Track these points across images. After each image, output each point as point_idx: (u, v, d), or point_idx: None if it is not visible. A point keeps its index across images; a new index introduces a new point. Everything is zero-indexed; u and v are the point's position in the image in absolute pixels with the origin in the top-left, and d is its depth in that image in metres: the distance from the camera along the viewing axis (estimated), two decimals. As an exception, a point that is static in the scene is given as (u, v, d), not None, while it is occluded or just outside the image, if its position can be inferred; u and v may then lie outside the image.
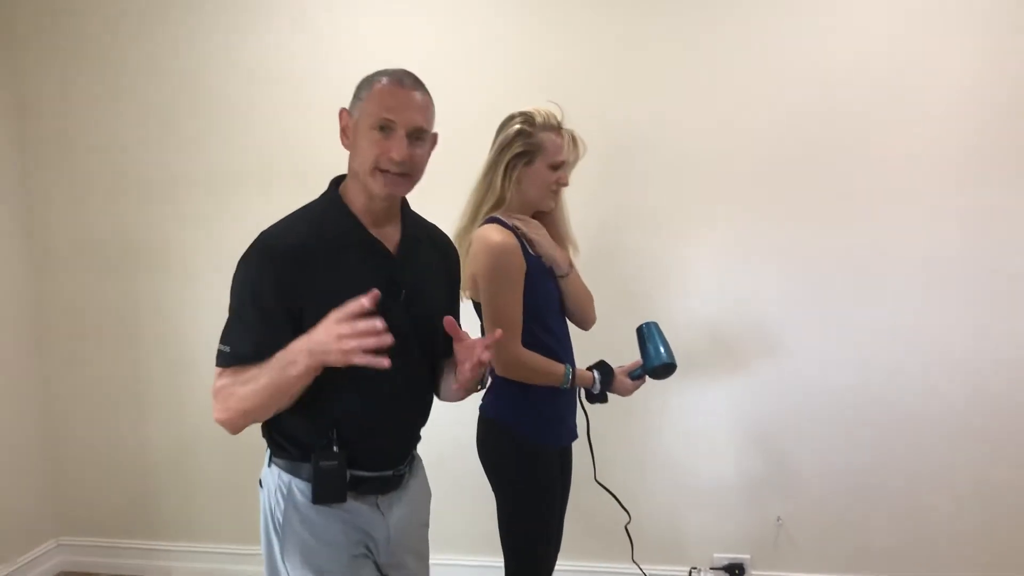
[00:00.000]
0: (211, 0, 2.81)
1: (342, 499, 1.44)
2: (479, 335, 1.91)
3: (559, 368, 1.92)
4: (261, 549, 1.52)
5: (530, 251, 1.89)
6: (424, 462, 1.69)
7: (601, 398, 2.06)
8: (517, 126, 1.91)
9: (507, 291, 1.84)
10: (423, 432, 1.64)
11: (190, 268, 2.93)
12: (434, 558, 1.74)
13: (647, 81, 2.62)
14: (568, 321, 2.07)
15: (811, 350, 2.64)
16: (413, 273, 1.49)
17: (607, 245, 2.66)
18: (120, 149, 2.92)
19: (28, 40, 2.93)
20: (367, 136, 1.39)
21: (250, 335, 1.36)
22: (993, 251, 2.52)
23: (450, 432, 2.09)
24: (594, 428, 2.16)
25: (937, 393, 2.59)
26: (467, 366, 1.39)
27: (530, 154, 1.90)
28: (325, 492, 1.43)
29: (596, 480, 2.18)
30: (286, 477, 1.47)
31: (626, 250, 2.70)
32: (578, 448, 2.11)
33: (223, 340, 1.39)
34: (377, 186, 1.40)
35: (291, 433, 1.46)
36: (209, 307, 2.85)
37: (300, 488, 1.45)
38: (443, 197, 1.85)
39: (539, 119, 1.91)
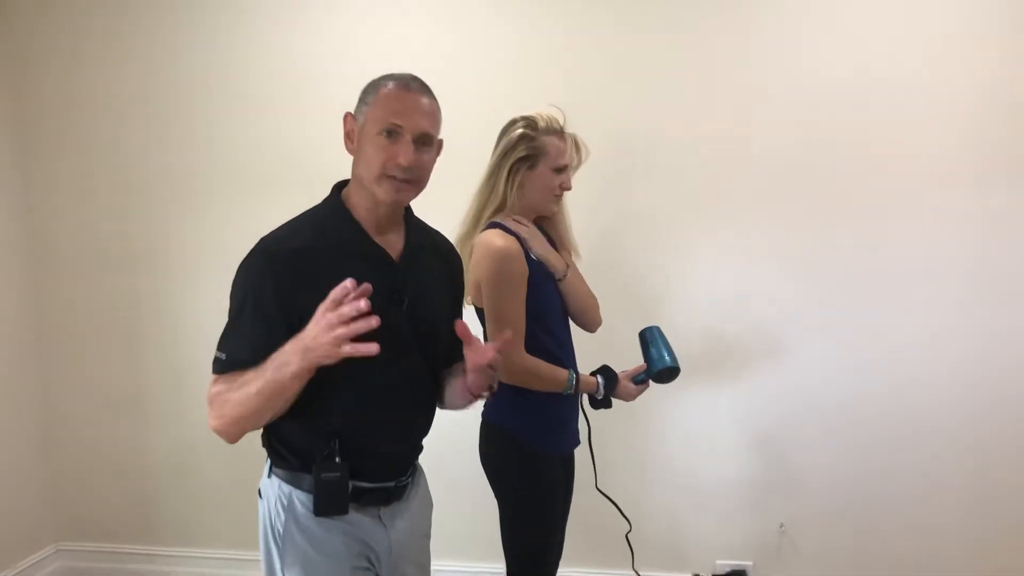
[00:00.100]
0: (211, 0, 2.80)
1: (344, 511, 1.42)
2: (482, 340, 1.90)
3: (563, 374, 1.91)
4: (260, 560, 1.50)
5: (532, 256, 1.88)
6: (425, 466, 1.68)
7: (605, 404, 2.05)
8: (520, 130, 1.90)
9: (510, 297, 1.83)
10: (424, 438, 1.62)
11: (191, 269, 2.92)
12: (435, 564, 1.73)
13: (649, 85, 2.61)
14: (573, 325, 2.06)
15: (814, 354, 2.62)
16: (416, 281, 1.47)
17: (609, 249, 2.65)
18: (120, 149, 2.92)
19: (28, 40, 2.92)
20: (373, 142, 1.37)
21: (248, 342, 1.34)
22: (996, 254, 2.51)
23: (452, 437, 2.07)
24: (595, 432, 2.14)
25: (942, 398, 2.57)
26: (478, 369, 1.37)
27: (533, 158, 1.90)
28: (327, 504, 1.41)
29: (597, 488, 2.16)
30: (286, 488, 1.45)
31: (628, 254, 2.69)
32: (579, 454, 2.10)
33: (220, 347, 1.37)
34: (383, 192, 1.38)
35: (292, 442, 1.44)
36: (210, 309, 2.81)
37: (301, 500, 1.43)
38: (444, 202, 1.83)
39: (542, 123, 1.90)
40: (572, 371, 1.95)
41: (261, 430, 1.46)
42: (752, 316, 2.64)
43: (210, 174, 2.87)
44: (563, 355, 1.96)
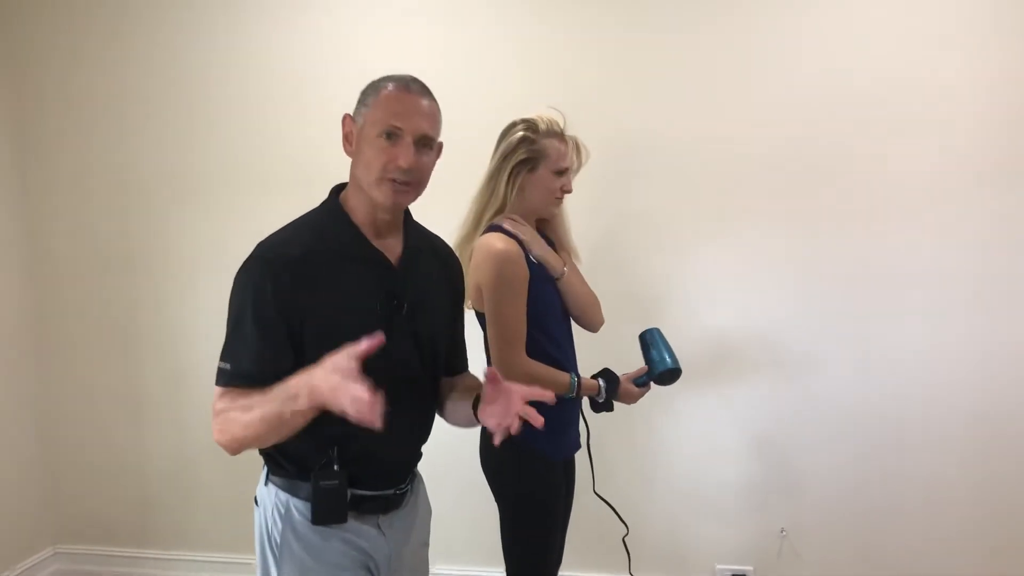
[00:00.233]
0: (211, 0, 2.79)
1: (343, 519, 1.41)
2: (482, 343, 1.89)
3: (564, 377, 1.90)
4: (256, 569, 1.48)
5: (532, 258, 1.87)
6: (425, 470, 1.66)
7: (607, 407, 2.03)
8: (520, 133, 1.89)
9: (512, 300, 1.82)
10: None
11: (190, 269, 2.91)
12: (435, 569, 1.72)
13: (649, 85, 2.60)
14: (574, 326, 2.05)
15: (815, 356, 2.61)
16: (415, 286, 1.46)
17: (609, 250, 2.64)
18: (120, 150, 2.91)
19: (28, 40, 2.91)
20: (373, 144, 1.35)
21: (251, 351, 1.32)
22: (997, 255, 2.49)
23: (452, 441, 2.05)
24: (595, 435, 2.14)
25: (945, 405, 2.56)
26: (498, 415, 1.32)
27: (534, 161, 1.89)
28: (325, 512, 1.39)
29: (595, 492, 2.15)
30: (284, 496, 1.43)
31: (628, 256, 2.67)
32: (579, 458, 2.09)
33: (223, 357, 1.35)
34: (382, 195, 1.37)
35: (289, 450, 1.42)
36: (210, 310, 2.82)
37: (298, 508, 1.42)
38: (444, 205, 1.82)
39: (542, 126, 1.90)
40: (573, 374, 1.94)
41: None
42: (753, 317, 2.63)
43: (210, 174, 2.86)
44: (563, 358, 1.95)
